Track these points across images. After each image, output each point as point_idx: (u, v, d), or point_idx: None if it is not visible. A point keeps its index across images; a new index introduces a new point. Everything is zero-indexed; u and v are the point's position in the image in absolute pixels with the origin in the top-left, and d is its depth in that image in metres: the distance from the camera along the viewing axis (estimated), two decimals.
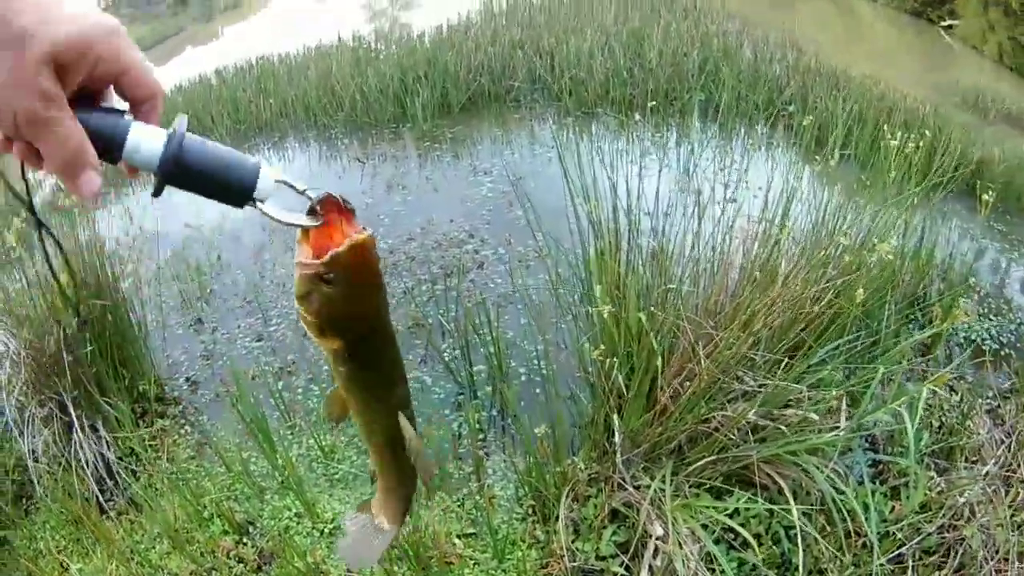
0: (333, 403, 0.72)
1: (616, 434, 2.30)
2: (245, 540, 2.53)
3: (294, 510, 2.64)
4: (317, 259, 0.58)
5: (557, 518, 2.31)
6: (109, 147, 0.54)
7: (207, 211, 4.94)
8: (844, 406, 2.35)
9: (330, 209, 0.59)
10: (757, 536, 2.20)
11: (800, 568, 2.06)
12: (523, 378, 3.21)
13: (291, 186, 0.60)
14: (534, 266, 3.93)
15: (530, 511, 2.53)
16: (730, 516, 2.20)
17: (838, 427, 2.28)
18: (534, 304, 3.50)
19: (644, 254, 2.77)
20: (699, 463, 2.24)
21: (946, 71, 7.59)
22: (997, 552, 2.20)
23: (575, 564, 2.24)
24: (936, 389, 2.66)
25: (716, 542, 2.13)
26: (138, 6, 19.02)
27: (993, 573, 2.18)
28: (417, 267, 4.09)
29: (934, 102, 5.66)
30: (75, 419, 2.83)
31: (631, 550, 2.22)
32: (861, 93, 5.76)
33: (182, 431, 3.15)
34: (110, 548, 2.49)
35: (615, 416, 2.34)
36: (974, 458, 2.61)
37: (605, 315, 2.25)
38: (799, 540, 2.01)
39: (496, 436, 2.98)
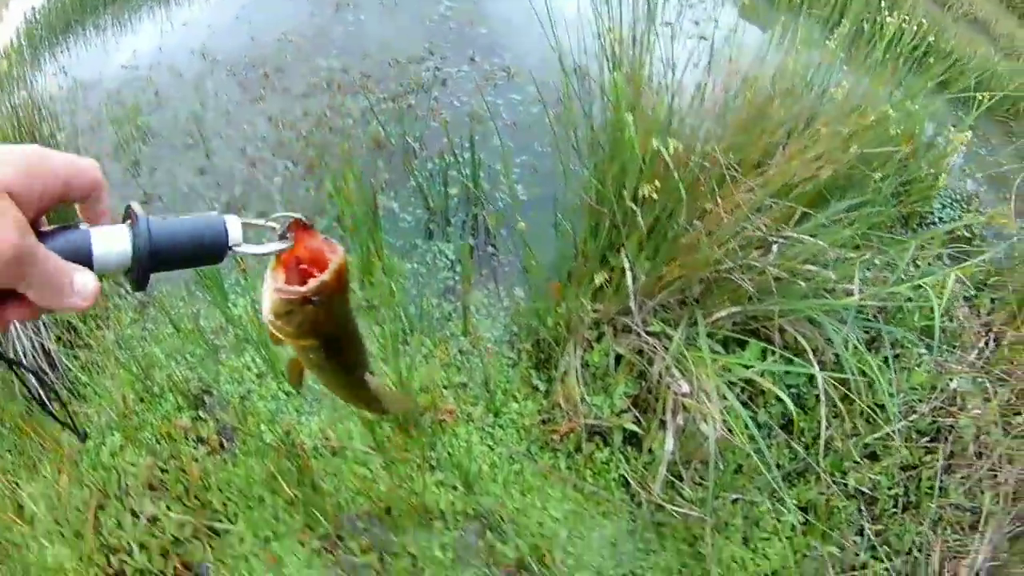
0: (293, 370, 0.70)
1: (627, 273, 2.01)
2: (202, 414, 2.16)
3: (255, 369, 2.30)
4: (295, 280, 0.57)
5: (558, 366, 2.03)
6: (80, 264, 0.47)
7: (142, 48, 4.51)
8: (857, 273, 2.16)
9: (296, 229, 0.58)
10: (780, 392, 1.98)
11: (804, 429, 2.03)
12: (500, 204, 2.90)
13: (256, 224, 0.58)
14: (503, 85, 3.66)
15: (523, 356, 2.23)
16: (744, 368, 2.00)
17: (852, 292, 2.10)
18: (510, 127, 3.28)
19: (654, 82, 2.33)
20: (719, 314, 2.00)
21: None
22: (991, 452, 2.12)
23: (588, 421, 1.96)
24: (961, 276, 2.49)
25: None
26: None
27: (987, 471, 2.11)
28: (374, 85, 3.73)
29: None
30: None
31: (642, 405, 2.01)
32: None
33: (121, 291, 2.72)
34: (58, 455, 2.00)
35: (623, 253, 2.04)
36: (955, 343, 2.57)
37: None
38: (822, 400, 1.89)
39: (478, 270, 2.64)
